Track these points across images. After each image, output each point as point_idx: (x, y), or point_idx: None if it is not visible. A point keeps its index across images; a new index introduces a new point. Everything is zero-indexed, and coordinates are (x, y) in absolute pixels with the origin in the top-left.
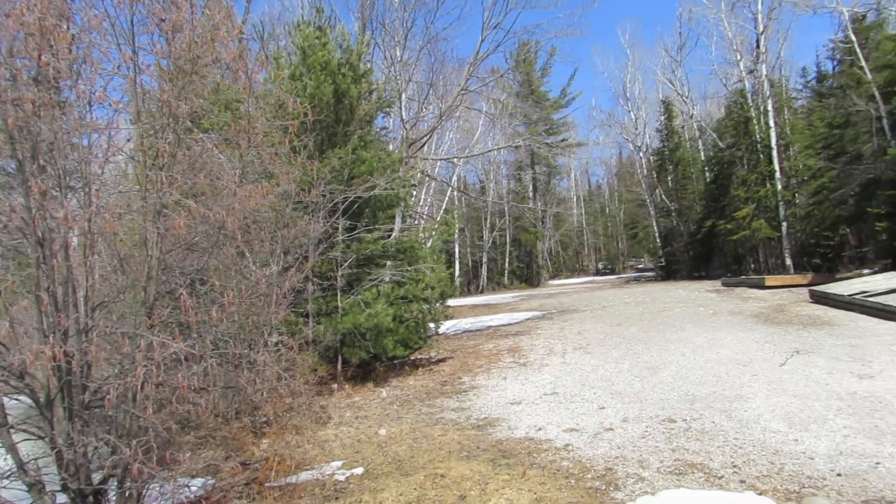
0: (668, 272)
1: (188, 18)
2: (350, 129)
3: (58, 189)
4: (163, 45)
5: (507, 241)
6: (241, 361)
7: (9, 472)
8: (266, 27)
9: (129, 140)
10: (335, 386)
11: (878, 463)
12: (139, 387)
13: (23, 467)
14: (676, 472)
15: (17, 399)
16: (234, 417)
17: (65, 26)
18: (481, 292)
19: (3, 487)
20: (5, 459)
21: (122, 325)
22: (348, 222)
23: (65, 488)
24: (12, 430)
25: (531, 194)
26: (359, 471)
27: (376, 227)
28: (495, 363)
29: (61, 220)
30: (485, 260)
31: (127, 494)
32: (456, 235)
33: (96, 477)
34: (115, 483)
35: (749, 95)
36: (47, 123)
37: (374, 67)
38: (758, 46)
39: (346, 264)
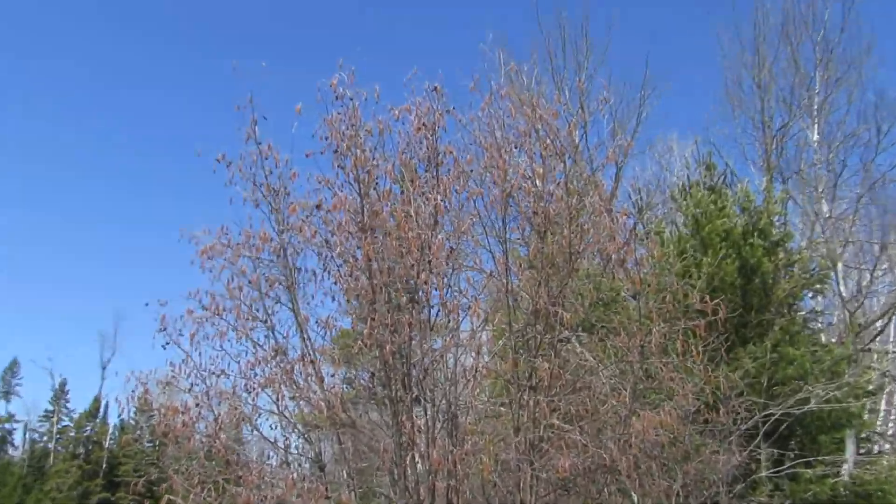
0: None
1: (565, 208)
2: (765, 318)
3: (429, 423)
4: (537, 242)
5: None
6: None
7: None
8: (643, 195)
9: (493, 356)
10: None
11: None
12: None
13: None
14: None
15: None
16: None
17: (440, 237)
18: None
19: None
20: None
21: None
22: (774, 451)
23: None
24: None
25: None
26: None
27: (818, 458)
28: None
29: (434, 461)
30: None
31: None
32: None
33: None
34: None
35: None
36: (418, 346)
37: (792, 230)
38: None
39: None
